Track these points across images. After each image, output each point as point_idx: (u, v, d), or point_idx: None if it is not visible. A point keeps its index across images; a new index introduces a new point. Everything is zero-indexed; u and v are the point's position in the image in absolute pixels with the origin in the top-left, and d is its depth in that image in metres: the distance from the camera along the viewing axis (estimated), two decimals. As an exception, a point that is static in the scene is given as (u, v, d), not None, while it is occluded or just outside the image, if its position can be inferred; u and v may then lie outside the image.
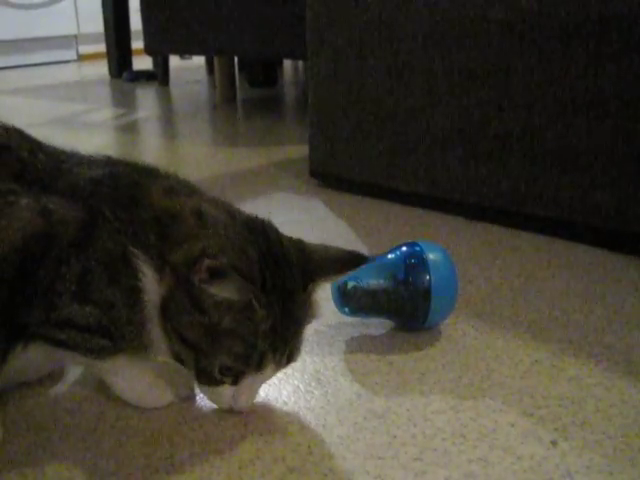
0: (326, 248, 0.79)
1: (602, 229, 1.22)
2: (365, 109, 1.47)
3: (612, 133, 1.15)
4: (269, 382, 0.82)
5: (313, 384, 0.83)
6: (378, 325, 0.96)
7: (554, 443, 0.72)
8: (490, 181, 1.31)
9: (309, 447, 0.72)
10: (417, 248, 0.92)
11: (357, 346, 0.92)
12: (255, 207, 0.80)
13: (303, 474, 0.68)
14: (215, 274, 0.67)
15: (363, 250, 1.22)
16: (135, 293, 0.71)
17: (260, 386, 0.75)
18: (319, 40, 1.50)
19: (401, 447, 0.71)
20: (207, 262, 0.67)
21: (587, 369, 0.86)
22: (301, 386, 0.83)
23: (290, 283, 0.73)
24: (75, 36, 4.68)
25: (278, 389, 0.82)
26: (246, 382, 0.72)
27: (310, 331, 0.94)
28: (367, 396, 0.80)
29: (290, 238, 0.77)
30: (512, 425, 0.75)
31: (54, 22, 4.45)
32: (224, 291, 0.68)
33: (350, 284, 0.93)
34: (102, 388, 0.82)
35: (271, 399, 0.80)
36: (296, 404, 0.79)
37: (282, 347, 0.72)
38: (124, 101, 3.05)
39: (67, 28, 4.56)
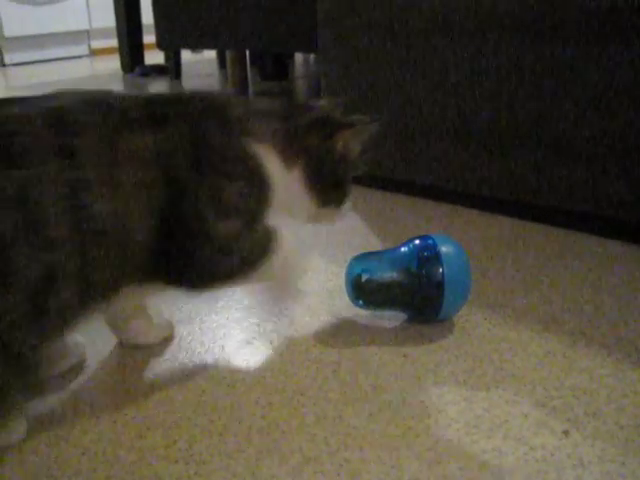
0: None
1: (615, 220, 1.22)
2: (376, 102, 1.48)
3: (625, 123, 1.15)
4: (285, 374, 0.84)
5: (330, 376, 0.84)
6: (391, 318, 0.97)
7: (566, 433, 0.73)
8: (502, 173, 1.32)
9: (325, 438, 0.73)
10: (430, 241, 0.93)
11: (371, 339, 0.93)
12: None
13: (319, 464, 0.69)
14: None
15: (376, 243, 1.23)
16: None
17: None
18: (330, 34, 1.50)
19: (416, 438, 0.73)
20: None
21: (599, 360, 0.86)
22: (318, 378, 0.84)
23: None
24: (87, 31, 4.70)
25: (295, 380, 0.83)
26: None
27: (326, 323, 0.96)
28: (382, 388, 0.81)
29: None
30: (525, 416, 0.76)
31: (66, 18, 4.47)
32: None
33: (364, 277, 0.94)
34: (121, 380, 0.84)
35: (288, 391, 0.81)
36: (313, 396, 0.80)
37: None
38: (136, 96, 3.06)
39: (79, 23, 4.59)
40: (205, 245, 0.81)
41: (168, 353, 0.90)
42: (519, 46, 1.23)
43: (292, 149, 0.91)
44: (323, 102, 0.98)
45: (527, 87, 1.24)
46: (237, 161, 0.85)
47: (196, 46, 3.00)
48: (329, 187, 0.95)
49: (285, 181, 0.90)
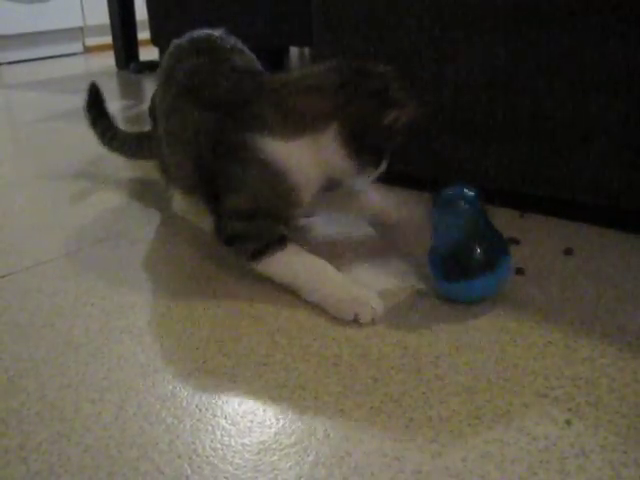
0: None
1: (612, 209, 1.22)
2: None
3: (624, 112, 1.15)
4: (286, 369, 0.83)
5: (330, 369, 0.84)
6: (391, 310, 0.97)
7: (568, 423, 0.73)
8: (499, 163, 1.31)
9: (326, 431, 0.73)
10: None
11: (372, 331, 0.92)
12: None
13: (320, 457, 0.69)
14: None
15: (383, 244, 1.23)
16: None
17: None
18: (324, 27, 1.50)
19: (418, 429, 0.73)
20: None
21: (600, 349, 0.86)
22: (318, 371, 0.84)
23: None
24: (81, 28, 4.69)
25: (296, 373, 0.83)
26: None
27: (324, 316, 0.96)
28: (383, 380, 0.81)
29: None
30: (526, 406, 0.76)
31: (60, 15, 4.45)
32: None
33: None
34: (123, 378, 0.83)
35: (289, 385, 0.81)
36: (313, 389, 0.80)
37: None
38: (131, 92, 3.05)
39: (73, 20, 4.56)
40: None
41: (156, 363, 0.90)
42: (514, 35, 1.22)
43: (345, 110, 1.04)
44: (381, 69, 1.08)
45: (521, 77, 1.24)
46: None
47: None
48: (369, 151, 1.07)
49: (328, 140, 1.04)
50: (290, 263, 1.02)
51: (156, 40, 2.94)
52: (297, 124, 1.04)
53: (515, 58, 1.23)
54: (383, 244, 1.22)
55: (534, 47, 1.21)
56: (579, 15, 1.14)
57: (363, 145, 1.05)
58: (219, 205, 1.09)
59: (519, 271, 1.06)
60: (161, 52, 3.54)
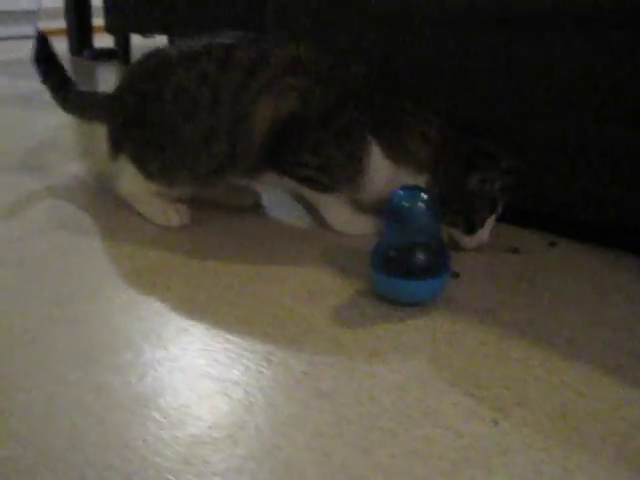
0: None
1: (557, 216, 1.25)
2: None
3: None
4: (220, 362, 0.84)
5: (264, 364, 0.84)
6: (330, 307, 0.98)
7: (495, 422, 0.75)
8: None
9: (257, 425, 0.73)
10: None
11: (308, 327, 0.93)
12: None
13: (251, 450, 0.69)
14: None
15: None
16: (356, 160, 1.21)
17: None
18: (277, 18, 1.50)
19: (347, 426, 0.73)
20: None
21: (531, 352, 0.88)
22: (252, 366, 0.84)
23: None
24: (35, 11, 4.60)
25: (229, 369, 0.83)
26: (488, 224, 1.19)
27: (259, 311, 0.96)
28: (316, 376, 0.82)
29: None
30: (455, 405, 0.77)
31: (14, -4, 4.37)
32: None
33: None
34: (54, 368, 0.83)
35: (221, 379, 0.81)
36: (247, 384, 0.81)
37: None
38: (85, 79, 3.01)
39: (27, 2, 4.48)
40: None
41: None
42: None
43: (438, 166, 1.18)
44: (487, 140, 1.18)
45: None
46: None
47: (145, 31, 2.96)
48: (454, 212, 1.17)
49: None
50: None
51: (111, 28, 2.90)
52: (399, 155, 1.20)
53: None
54: (327, 241, 1.23)
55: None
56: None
57: (447, 205, 1.14)
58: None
59: (455, 275, 1.08)
60: (116, 40, 3.50)
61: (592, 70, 1.11)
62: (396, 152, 1.20)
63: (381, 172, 1.20)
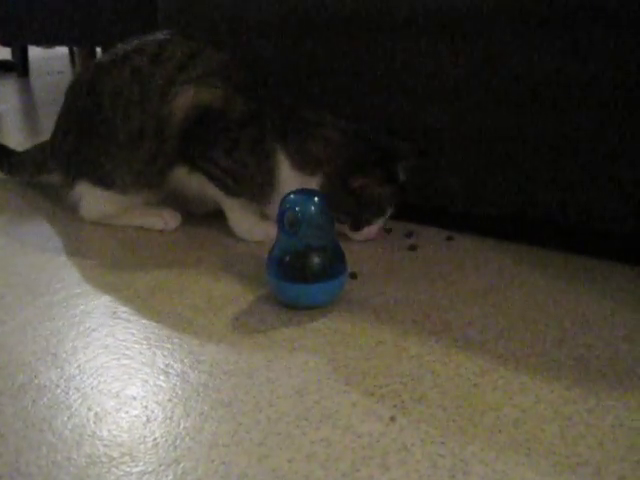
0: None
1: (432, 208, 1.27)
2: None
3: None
4: (118, 378, 0.82)
5: (162, 377, 0.83)
6: (229, 315, 0.98)
7: (393, 419, 0.76)
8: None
9: (155, 439, 0.72)
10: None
11: (206, 337, 0.93)
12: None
13: (148, 466, 0.68)
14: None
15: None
16: (266, 171, 1.23)
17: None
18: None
19: (246, 434, 0.73)
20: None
21: (428, 347, 0.90)
22: (149, 380, 0.83)
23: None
24: None
25: (126, 384, 0.82)
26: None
27: (156, 325, 0.95)
28: (214, 386, 0.81)
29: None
30: (354, 405, 0.78)
31: None
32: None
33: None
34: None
35: (119, 396, 0.80)
36: (145, 399, 0.79)
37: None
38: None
39: None
40: None
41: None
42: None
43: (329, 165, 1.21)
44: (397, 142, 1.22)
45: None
46: None
47: (39, 42, 2.88)
48: (342, 210, 1.20)
49: (312, 184, 1.20)
50: None
51: (3, 39, 2.81)
52: (305, 163, 1.22)
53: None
54: (226, 248, 1.23)
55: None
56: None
57: (334, 201, 1.11)
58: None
59: (352, 275, 1.09)
60: (13, 52, 3.40)
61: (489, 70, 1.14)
62: (302, 161, 1.22)
63: (290, 182, 1.20)
